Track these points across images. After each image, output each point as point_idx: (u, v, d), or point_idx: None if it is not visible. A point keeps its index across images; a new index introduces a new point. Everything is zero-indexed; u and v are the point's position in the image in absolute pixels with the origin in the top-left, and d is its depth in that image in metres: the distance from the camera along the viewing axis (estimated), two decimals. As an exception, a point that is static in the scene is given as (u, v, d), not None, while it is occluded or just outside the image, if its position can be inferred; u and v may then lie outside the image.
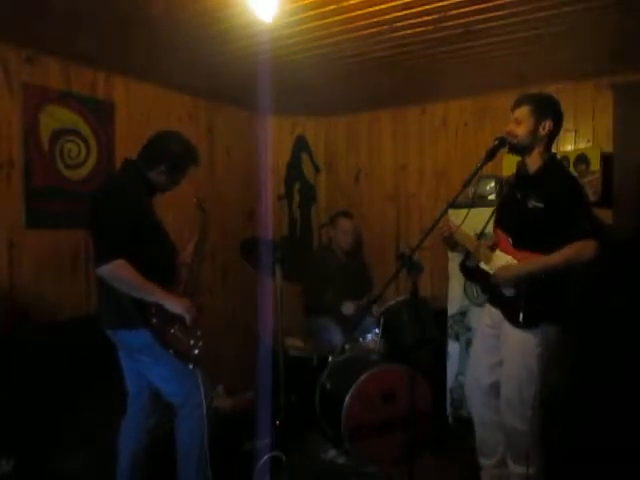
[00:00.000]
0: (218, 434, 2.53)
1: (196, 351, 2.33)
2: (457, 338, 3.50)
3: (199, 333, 2.36)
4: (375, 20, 2.54)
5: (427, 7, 2.40)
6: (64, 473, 2.55)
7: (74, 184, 3.14)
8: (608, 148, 3.27)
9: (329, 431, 3.15)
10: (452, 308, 3.53)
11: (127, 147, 2.46)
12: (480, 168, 2.34)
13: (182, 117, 3.79)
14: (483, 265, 2.47)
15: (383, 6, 2.39)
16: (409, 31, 2.67)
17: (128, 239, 2.14)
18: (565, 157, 3.28)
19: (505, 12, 2.44)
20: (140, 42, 2.85)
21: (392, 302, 3.43)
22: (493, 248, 2.47)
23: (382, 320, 3.38)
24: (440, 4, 2.37)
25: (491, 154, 2.36)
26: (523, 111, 2.35)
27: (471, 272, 2.59)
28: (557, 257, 2.24)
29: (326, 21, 2.55)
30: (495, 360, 2.49)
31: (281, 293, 3.05)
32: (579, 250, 2.22)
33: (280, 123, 4.54)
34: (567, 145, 3.54)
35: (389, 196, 4.36)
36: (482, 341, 2.58)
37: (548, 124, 2.33)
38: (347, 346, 3.45)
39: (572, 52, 3.00)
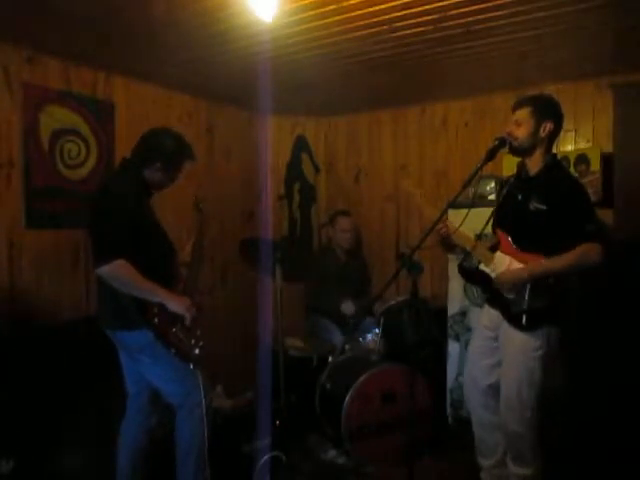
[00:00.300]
0: (218, 434, 2.53)
1: (197, 351, 2.33)
2: (457, 338, 3.50)
3: (199, 333, 2.37)
4: (375, 20, 2.54)
5: (427, 7, 2.40)
6: (64, 473, 2.55)
7: (74, 184, 3.14)
8: (608, 148, 3.28)
9: (329, 431, 3.16)
10: (452, 308, 3.52)
11: (127, 147, 2.45)
12: (480, 168, 2.33)
13: (182, 117, 3.79)
14: (483, 266, 2.47)
15: (383, 6, 2.39)
16: (409, 31, 2.66)
17: (127, 239, 2.14)
18: (565, 157, 3.28)
19: (505, 12, 2.44)
20: (140, 42, 2.85)
21: (392, 302, 3.44)
22: (493, 249, 2.47)
23: (382, 320, 3.38)
24: (440, 4, 2.37)
25: (491, 154, 2.35)
26: (523, 113, 2.34)
27: (470, 273, 2.58)
28: (562, 261, 2.23)
29: (326, 21, 2.55)
30: (493, 361, 2.49)
31: (281, 293, 3.05)
32: (584, 254, 2.22)
33: (280, 123, 4.54)
34: (567, 145, 3.53)
35: (389, 196, 4.35)
36: (480, 342, 2.57)
37: (549, 125, 2.32)
38: (347, 346, 3.46)
39: (572, 52, 2.99)
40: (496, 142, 2.37)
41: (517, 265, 2.35)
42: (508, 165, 3.23)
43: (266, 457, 2.79)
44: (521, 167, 2.49)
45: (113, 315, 2.27)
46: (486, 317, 2.55)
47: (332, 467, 3.03)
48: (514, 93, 2.55)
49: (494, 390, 2.49)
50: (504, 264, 2.39)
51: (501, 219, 2.50)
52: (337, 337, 3.68)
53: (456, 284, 3.48)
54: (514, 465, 2.45)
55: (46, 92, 3.00)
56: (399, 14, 2.47)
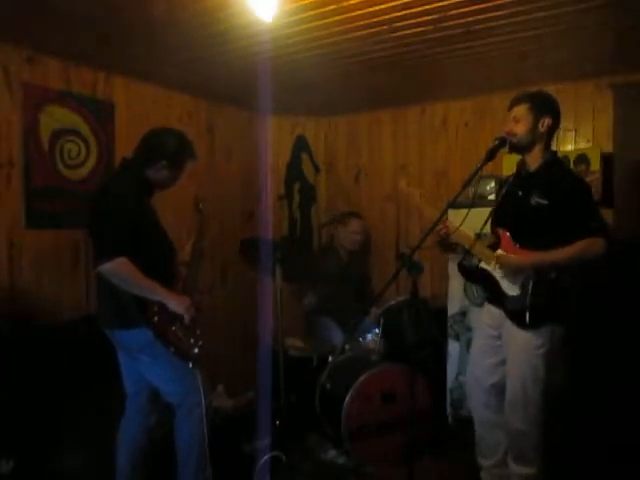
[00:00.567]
0: (218, 434, 2.53)
1: (196, 350, 2.33)
2: (457, 338, 3.50)
3: (198, 332, 2.37)
4: (375, 20, 2.54)
5: (427, 7, 2.40)
6: (64, 473, 2.55)
7: (74, 184, 3.14)
8: (608, 148, 3.28)
9: (329, 431, 3.16)
10: (452, 308, 3.52)
11: (127, 147, 2.46)
12: (480, 168, 2.33)
13: (182, 117, 3.79)
14: (484, 265, 2.47)
15: (383, 6, 2.39)
16: (409, 31, 2.66)
17: (128, 239, 2.14)
18: (565, 157, 3.28)
19: (505, 12, 2.44)
20: (140, 42, 2.85)
21: (392, 302, 3.44)
22: (492, 248, 2.47)
23: (382, 320, 3.38)
24: (440, 4, 2.37)
25: (491, 154, 2.36)
26: (521, 109, 2.35)
27: (470, 272, 2.58)
28: (565, 252, 2.24)
29: (326, 21, 2.55)
30: (497, 360, 2.49)
31: (281, 293, 3.05)
32: (588, 247, 2.23)
33: (280, 123, 4.54)
34: (567, 145, 3.53)
35: (389, 196, 4.35)
36: (483, 341, 2.57)
37: (547, 120, 2.33)
38: (347, 346, 3.45)
39: (572, 52, 3.00)
40: (496, 142, 2.37)
41: None
42: (508, 165, 3.23)
43: (266, 457, 2.79)
44: (521, 166, 2.49)
45: (112, 314, 2.27)
46: (488, 316, 2.55)
47: (332, 467, 3.03)
48: (514, 93, 2.54)
49: (497, 389, 2.49)
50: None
51: (501, 217, 2.50)
52: (337, 337, 3.68)
53: (456, 284, 3.48)
54: (516, 465, 2.45)
55: (46, 92, 3.00)
56: (399, 14, 2.47)
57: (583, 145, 3.49)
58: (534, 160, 2.39)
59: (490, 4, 2.36)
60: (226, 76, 3.43)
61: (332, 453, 3.13)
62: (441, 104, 4.06)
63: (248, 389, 3.67)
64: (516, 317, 2.35)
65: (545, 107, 2.36)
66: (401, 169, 4.30)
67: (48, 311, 3.00)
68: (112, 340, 2.35)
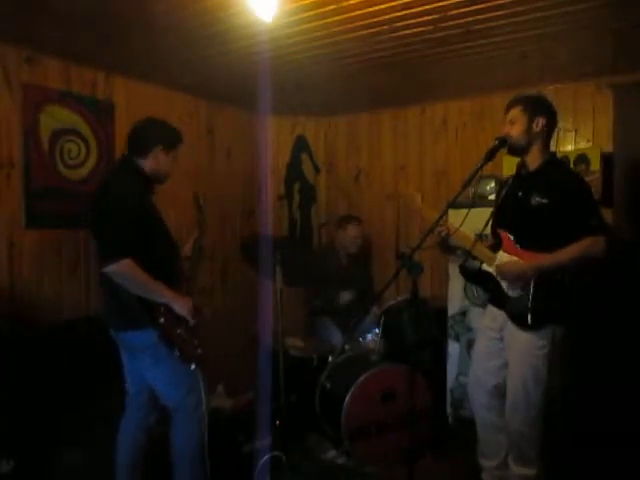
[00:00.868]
0: (218, 434, 2.52)
1: (199, 351, 2.33)
2: (457, 338, 3.50)
3: (201, 333, 2.36)
4: (375, 20, 2.54)
5: (427, 7, 2.40)
6: (64, 473, 2.54)
7: (74, 184, 3.14)
8: (608, 148, 3.28)
9: (329, 431, 3.15)
10: (452, 308, 3.52)
11: (127, 147, 2.45)
12: (480, 168, 2.33)
13: (182, 117, 3.79)
14: (486, 267, 2.47)
15: (383, 6, 2.39)
16: (409, 31, 2.67)
17: (132, 239, 2.13)
18: (565, 157, 3.28)
19: (505, 12, 2.44)
20: (140, 42, 2.85)
21: (392, 302, 3.43)
22: (493, 249, 2.47)
23: (382, 320, 3.38)
24: (440, 4, 2.37)
25: (491, 154, 2.36)
26: (515, 111, 2.38)
27: (472, 274, 2.58)
28: (567, 253, 2.24)
29: (326, 21, 2.55)
30: (499, 362, 2.48)
31: (281, 293, 3.04)
32: (589, 246, 2.23)
33: (280, 123, 4.54)
34: (567, 145, 3.53)
35: (390, 195, 4.34)
36: (486, 343, 2.56)
37: (541, 120, 2.35)
38: (347, 346, 3.45)
39: (572, 52, 3.00)
40: (496, 142, 2.38)
41: None
42: (508, 165, 3.23)
43: (266, 457, 2.79)
44: (520, 167, 2.49)
45: (118, 314, 2.26)
46: (490, 317, 2.54)
47: (332, 467, 3.03)
48: (514, 93, 2.54)
49: (499, 391, 2.48)
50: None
51: (502, 219, 2.49)
52: (337, 337, 3.68)
53: (456, 284, 3.48)
54: (516, 465, 2.45)
55: (46, 92, 3.00)
56: (399, 14, 2.47)
57: (583, 145, 3.49)
58: (533, 161, 2.40)
59: (490, 4, 2.36)
60: (226, 76, 3.43)
61: (332, 453, 3.13)
62: (441, 104, 4.07)
63: (248, 389, 3.66)
64: (518, 318, 2.35)
65: (538, 107, 2.37)
66: (401, 169, 4.30)
67: (48, 311, 3.00)
68: (116, 340, 2.35)
